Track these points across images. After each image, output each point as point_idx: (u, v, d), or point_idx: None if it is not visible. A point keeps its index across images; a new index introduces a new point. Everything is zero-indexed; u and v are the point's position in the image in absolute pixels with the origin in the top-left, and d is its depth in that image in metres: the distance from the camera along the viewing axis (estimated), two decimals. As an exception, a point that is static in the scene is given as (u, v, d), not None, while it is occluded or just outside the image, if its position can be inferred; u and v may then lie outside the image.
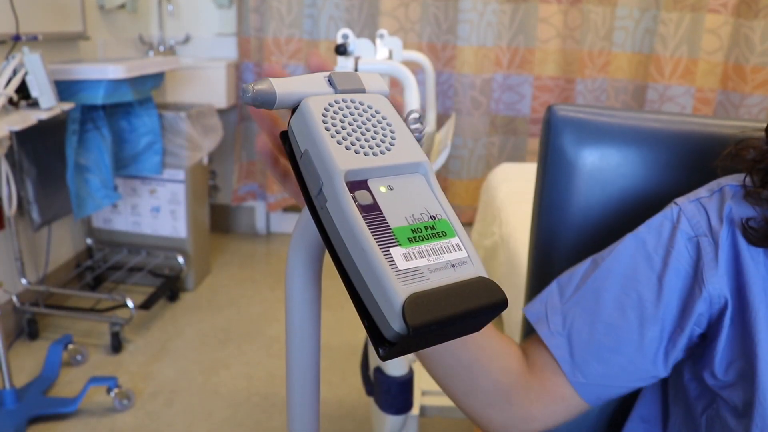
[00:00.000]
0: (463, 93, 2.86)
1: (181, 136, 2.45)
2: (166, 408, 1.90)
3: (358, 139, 0.44)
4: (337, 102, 0.46)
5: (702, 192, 0.65)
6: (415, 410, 1.12)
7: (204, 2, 3.09)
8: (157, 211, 2.55)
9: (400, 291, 0.37)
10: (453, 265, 0.40)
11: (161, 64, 2.35)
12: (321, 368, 2.07)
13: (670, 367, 0.63)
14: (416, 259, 0.40)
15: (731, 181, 0.64)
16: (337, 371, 2.10)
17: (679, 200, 0.65)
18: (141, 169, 2.44)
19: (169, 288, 2.50)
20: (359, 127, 0.45)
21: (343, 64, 1.17)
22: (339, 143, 0.43)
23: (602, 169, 0.84)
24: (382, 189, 0.43)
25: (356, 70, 1.19)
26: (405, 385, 1.03)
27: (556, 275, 0.86)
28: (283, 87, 0.45)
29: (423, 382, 1.21)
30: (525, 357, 0.67)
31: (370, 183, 0.42)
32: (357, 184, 0.42)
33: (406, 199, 0.43)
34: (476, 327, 0.41)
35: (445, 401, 1.19)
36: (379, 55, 1.58)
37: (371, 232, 0.39)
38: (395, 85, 2.67)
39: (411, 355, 1.09)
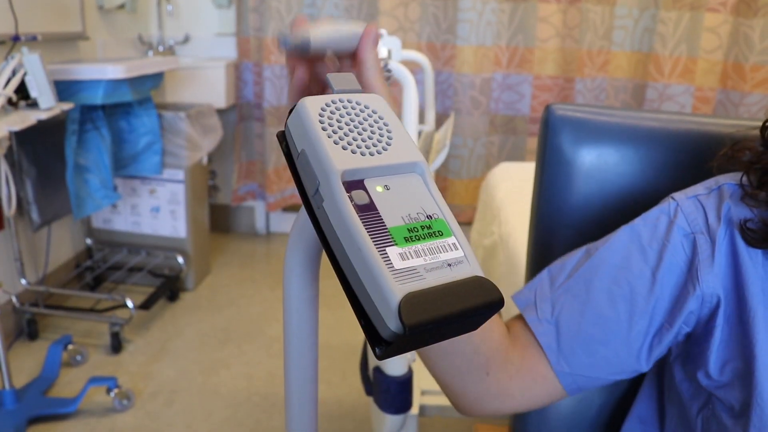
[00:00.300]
0: (462, 92, 2.86)
1: (180, 136, 2.45)
2: (166, 408, 1.90)
3: (354, 139, 0.44)
4: (333, 102, 0.46)
5: (700, 189, 0.65)
6: (414, 410, 1.12)
7: (203, 2, 3.09)
8: (157, 211, 2.55)
9: (397, 290, 0.37)
10: (449, 265, 0.40)
11: (160, 64, 2.35)
12: (320, 368, 2.08)
13: (652, 363, 0.63)
14: (412, 258, 0.40)
15: (729, 179, 0.64)
16: (336, 371, 2.10)
17: (676, 195, 0.65)
18: (140, 169, 2.44)
19: (169, 288, 2.50)
20: (356, 127, 0.45)
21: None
22: (336, 143, 0.43)
23: (600, 168, 0.84)
24: (379, 189, 0.43)
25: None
26: (404, 384, 1.03)
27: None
28: (317, 32, 0.50)
29: (423, 381, 1.21)
30: (508, 333, 0.67)
31: (366, 183, 0.42)
32: (353, 184, 0.42)
33: (402, 198, 0.43)
34: (473, 326, 0.41)
35: (445, 401, 1.19)
36: (379, 55, 1.59)
37: (367, 232, 0.40)
38: (394, 84, 2.66)
39: (410, 355, 1.09)
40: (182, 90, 2.81)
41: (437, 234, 0.42)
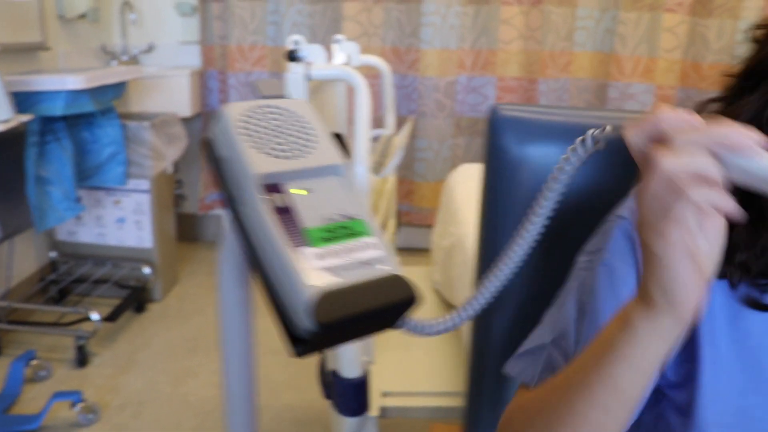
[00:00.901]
0: (427, 95, 2.88)
1: (144, 145, 2.43)
2: (133, 420, 1.88)
3: (276, 144, 0.45)
4: (257, 108, 0.46)
5: None
6: (374, 411, 1.12)
7: (167, 10, 3.07)
8: (122, 221, 2.53)
9: (310, 289, 0.38)
10: (367, 264, 0.41)
11: (122, 73, 2.33)
12: (289, 374, 2.08)
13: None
14: (329, 257, 0.40)
15: None
16: (305, 376, 2.10)
17: (623, 213, 0.64)
18: (104, 180, 2.41)
19: (136, 299, 2.47)
20: (277, 132, 0.46)
21: (295, 70, 1.18)
22: (255, 148, 0.44)
23: (546, 166, 0.85)
24: (298, 191, 0.43)
25: (309, 75, 1.19)
26: (360, 387, 1.03)
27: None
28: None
29: (384, 383, 1.21)
30: None
31: (285, 186, 0.43)
32: (272, 187, 0.43)
33: (322, 200, 0.44)
34: (389, 324, 0.42)
35: (407, 402, 1.19)
36: (337, 60, 1.59)
37: (285, 233, 0.40)
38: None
39: (366, 357, 1.10)
40: (146, 99, 2.79)
41: (356, 234, 0.43)
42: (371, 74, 1.98)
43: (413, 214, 3.04)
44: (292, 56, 1.16)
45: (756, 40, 0.62)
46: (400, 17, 2.89)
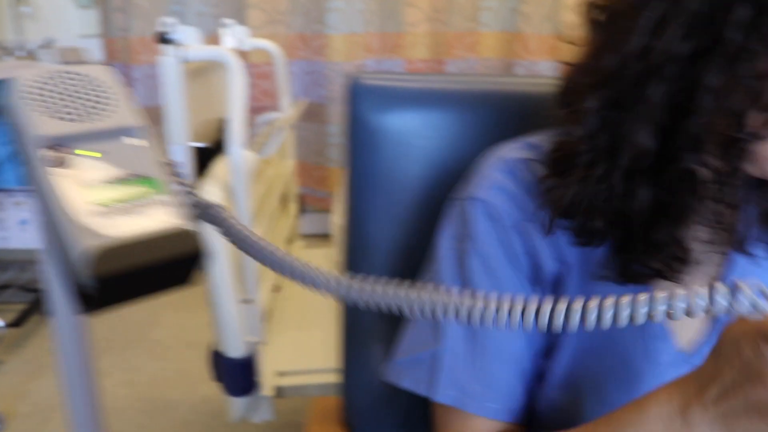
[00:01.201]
0: (335, 81, 2.88)
1: (43, 143, 2.34)
2: (42, 426, 1.82)
3: (66, 107, 0.44)
4: (49, 73, 0.46)
5: (495, 174, 0.63)
6: (269, 391, 1.13)
7: (64, 3, 2.96)
8: (26, 223, 2.43)
9: (89, 243, 0.38)
10: (153, 219, 0.41)
11: (11, 69, 2.23)
12: (200, 368, 2.05)
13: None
14: (114, 214, 0.40)
15: (513, 153, 0.63)
16: (223, 367, 2.08)
17: (475, 193, 0.62)
18: (3, 182, 2.31)
19: (44, 302, 2.39)
20: (70, 96, 0.45)
21: (168, 52, 1.16)
22: (44, 112, 0.43)
23: (406, 133, 0.86)
24: (88, 153, 0.43)
25: (183, 58, 1.18)
26: (246, 366, 1.03)
27: (371, 247, 0.88)
28: None
29: (279, 363, 1.21)
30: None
31: (73, 147, 0.43)
32: (59, 149, 0.42)
33: (114, 161, 0.44)
34: (178, 279, 0.42)
35: (304, 380, 1.20)
36: (227, 45, 1.57)
37: (68, 192, 0.40)
38: (266, 77, 2.65)
39: (254, 337, 1.10)
40: (45, 96, 2.69)
41: (145, 192, 0.43)
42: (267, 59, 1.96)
43: (327, 199, 3.04)
44: (164, 38, 1.14)
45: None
46: (306, 3, 2.87)
